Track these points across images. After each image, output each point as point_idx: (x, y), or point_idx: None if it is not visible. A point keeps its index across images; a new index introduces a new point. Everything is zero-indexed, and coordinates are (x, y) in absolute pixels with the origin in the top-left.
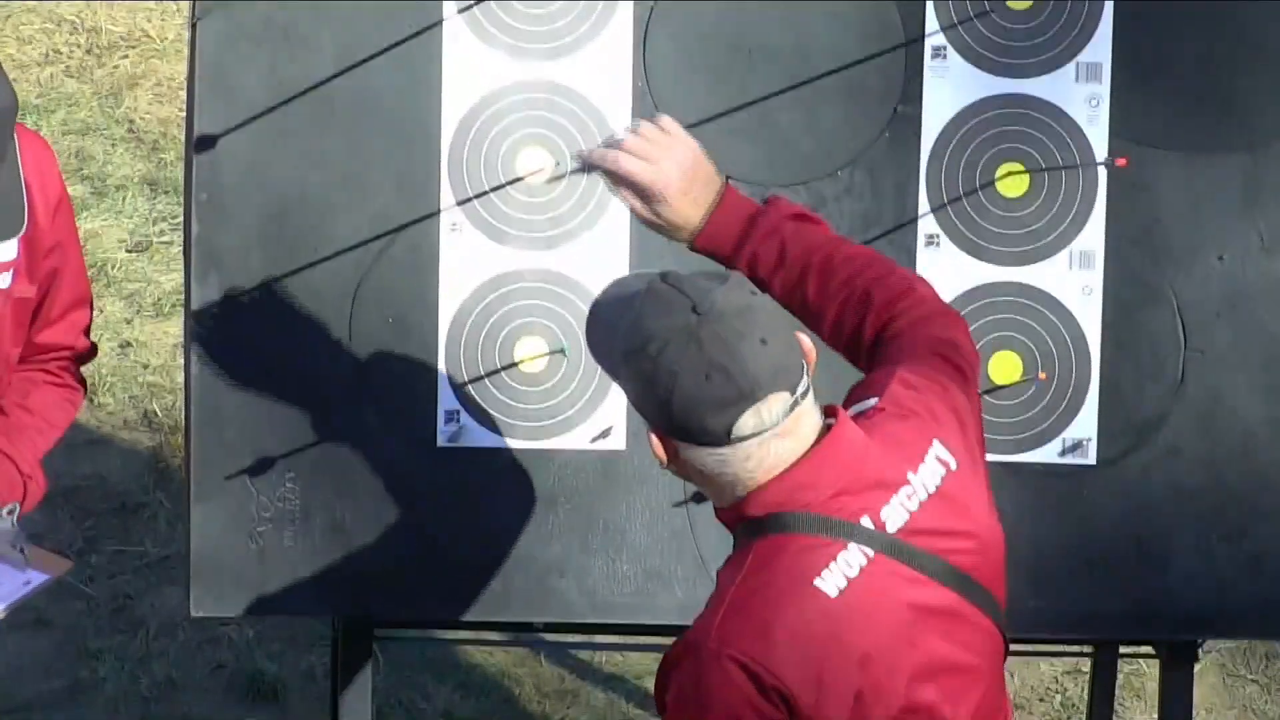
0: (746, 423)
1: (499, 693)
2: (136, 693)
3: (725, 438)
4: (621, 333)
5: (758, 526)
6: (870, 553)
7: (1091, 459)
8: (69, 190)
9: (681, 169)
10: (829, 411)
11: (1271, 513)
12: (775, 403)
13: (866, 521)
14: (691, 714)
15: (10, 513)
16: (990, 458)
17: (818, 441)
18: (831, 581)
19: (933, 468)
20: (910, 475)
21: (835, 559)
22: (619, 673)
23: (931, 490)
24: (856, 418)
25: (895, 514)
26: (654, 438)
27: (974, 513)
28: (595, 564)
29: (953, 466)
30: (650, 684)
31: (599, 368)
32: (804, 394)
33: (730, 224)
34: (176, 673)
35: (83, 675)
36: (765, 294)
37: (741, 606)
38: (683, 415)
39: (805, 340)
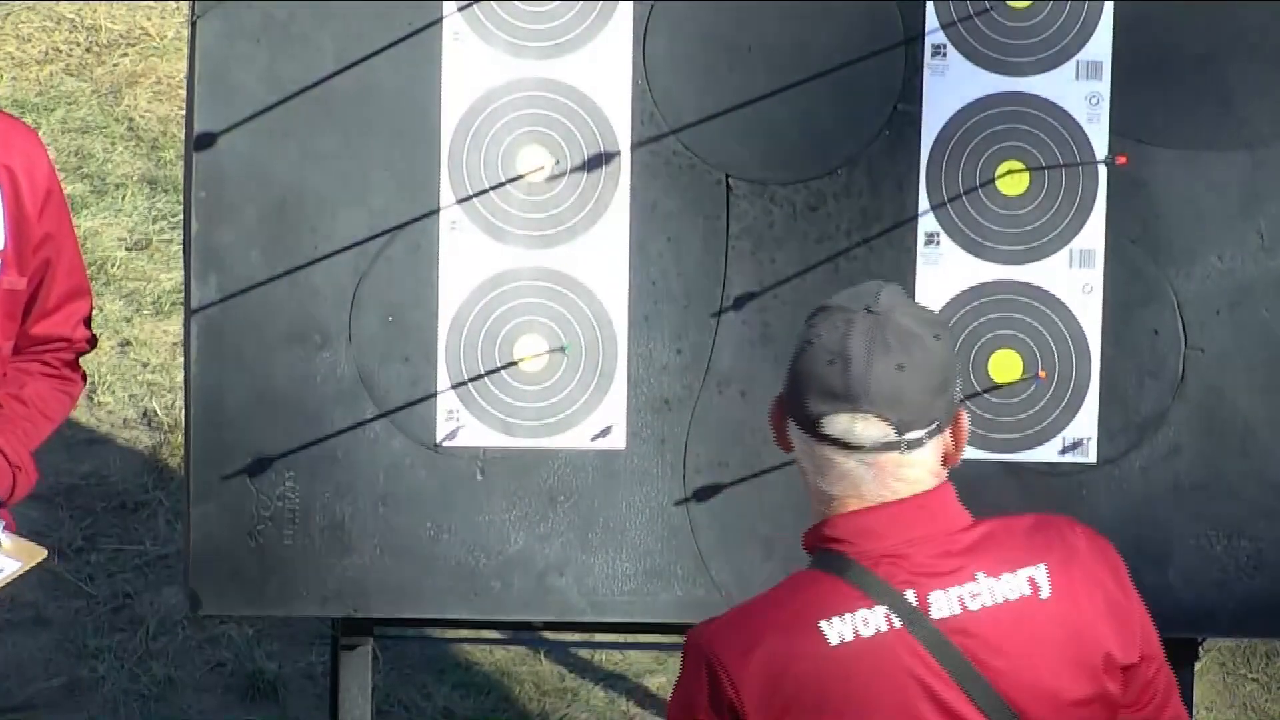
0: (838, 424)
1: (499, 691)
2: (136, 691)
3: (813, 426)
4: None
5: (816, 558)
6: (896, 624)
7: (1092, 458)
8: (68, 187)
9: None
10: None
11: (1272, 511)
12: (871, 425)
13: (910, 595)
14: (674, 700)
15: None
16: (990, 457)
17: (905, 498)
18: (837, 630)
19: (1016, 583)
20: (982, 576)
21: (854, 611)
22: (619, 671)
23: (999, 601)
24: (990, 518)
25: (946, 603)
26: (775, 403)
27: (1047, 658)
28: (595, 563)
29: (1043, 594)
30: (650, 682)
31: (599, 365)
32: (912, 444)
33: None
34: (176, 671)
35: (82, 674)
36: (948, 347)
37: (742, 617)
38: (794, 380)
39: (964, 419)
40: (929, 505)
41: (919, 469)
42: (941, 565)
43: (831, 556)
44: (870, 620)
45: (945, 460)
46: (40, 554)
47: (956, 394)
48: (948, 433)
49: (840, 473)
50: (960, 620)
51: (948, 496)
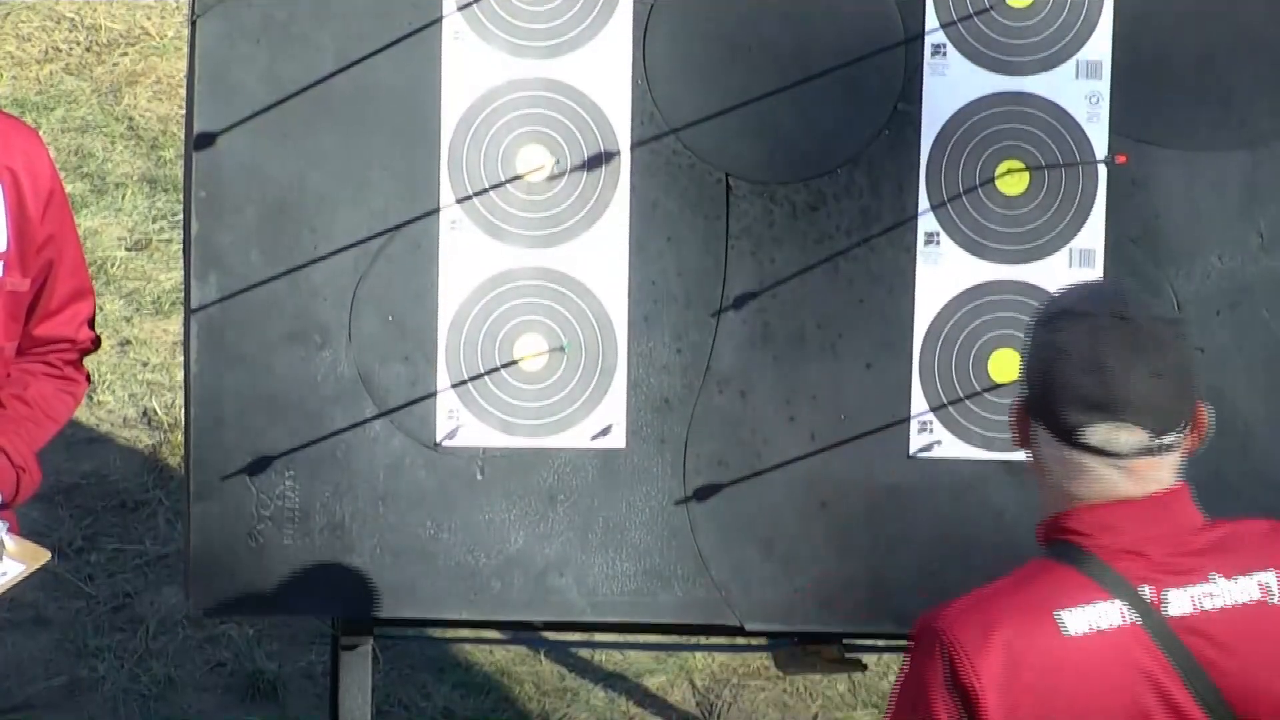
0: (1097, 434)
1: (499, 691)
2: (136, 691)
3: (1069, 437)
4: (1058, 301)
5: (1052, 549)
6: (1130, 619)
7: None
8: (68, 187)
9: None
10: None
11: (1272, 511)
12: (1130, 434)
13: (1146, 592)
14: (905, 683)
15: None
16: (990, 456)
17: (1146, 496)
18: (1073, 621)
19: (1249, 586)
20: (1218, 578)
21: (1091, 604)
22: (619, 671)
23: (1232, 603)
24: (1222, 519)
25: (1181, 601)
26: (1018, 407)
27: (1276, 664)
28: (595, 563)
29: (1273, 599)
30: (650, 682)
31: (599, 364)
32: (1165, 448)
33: None
34: (176, 671)
35: (82, 673)
36: (1190, 342)
37: (982, 602)
38: (1045, 391)
39: (1206, 414)
40: (1169, 504)
41: (1165, 469)
42: (1178, 564)
43: (1069, 548)
44: (1106, 614)
45: (1186, 453)
46: (44, 556)
47: (1197, 388)
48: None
49: (1094, 477)
50: (1194, 620)
51: (1185, 496)
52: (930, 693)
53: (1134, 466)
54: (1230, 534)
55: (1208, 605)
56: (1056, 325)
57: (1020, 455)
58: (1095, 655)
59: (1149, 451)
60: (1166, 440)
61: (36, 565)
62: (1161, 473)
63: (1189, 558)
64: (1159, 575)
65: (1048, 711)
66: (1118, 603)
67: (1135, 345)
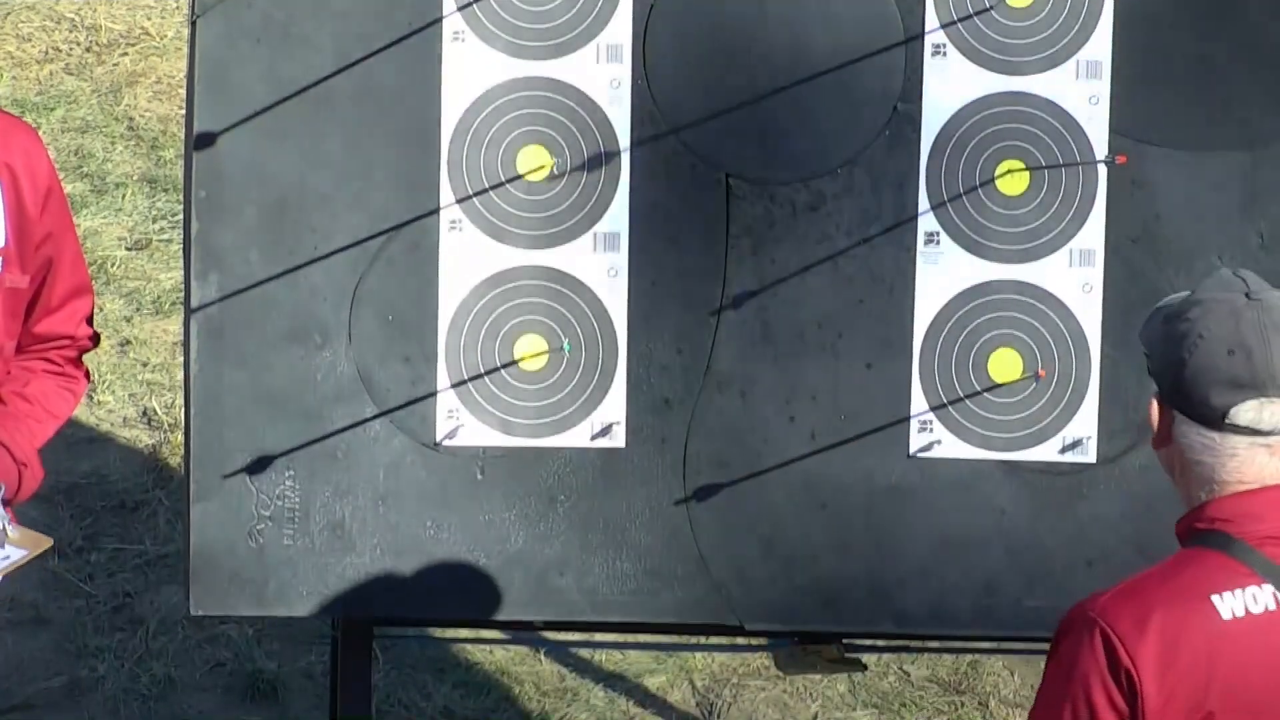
0: (1246, 413)
1: (499, 691)
2: (136, 691)
3: (1220, 420)
4: (1173, 301)
5: (1197, 538)
6: None
7: (1091, 457)
8: (68, 187)
9: None
10: None
11: None
12: (1276, 408)
13: None
14: (1058, 673)
15: None
16: (990, 456)
17: None
18: (1229, 605)
19: None
20: None
21: (1244, 588)
22: (619, 671)
23: None
24: None
25: None
26: (1155, 405)
27: None
28: (595, 562)
29: None
30: (650, 682)
31: (599, 364)
32: None
33: None
34: (176, 671)
35: (82, 673)
36: None
37: (1135, 590)
38: (1191, 381)
39: None
40: None
41: None
42: None
43: (1216, 535)
44: (1259, 598)
45: None
46: (46, 542)
47: None
48: None
49: (1242, 459)
50: None
51: None
52: (1089, 680)
53: (1277, 443)
54: None
55: None
56: (1188, 315)
57: (1020, 455)
58: (1251, 638)
59: None
60: None
61: (39, 551)
62: None
63: None
64: None
65: (1205, 695)
66: (1269, 587)
67: (1271, 323)
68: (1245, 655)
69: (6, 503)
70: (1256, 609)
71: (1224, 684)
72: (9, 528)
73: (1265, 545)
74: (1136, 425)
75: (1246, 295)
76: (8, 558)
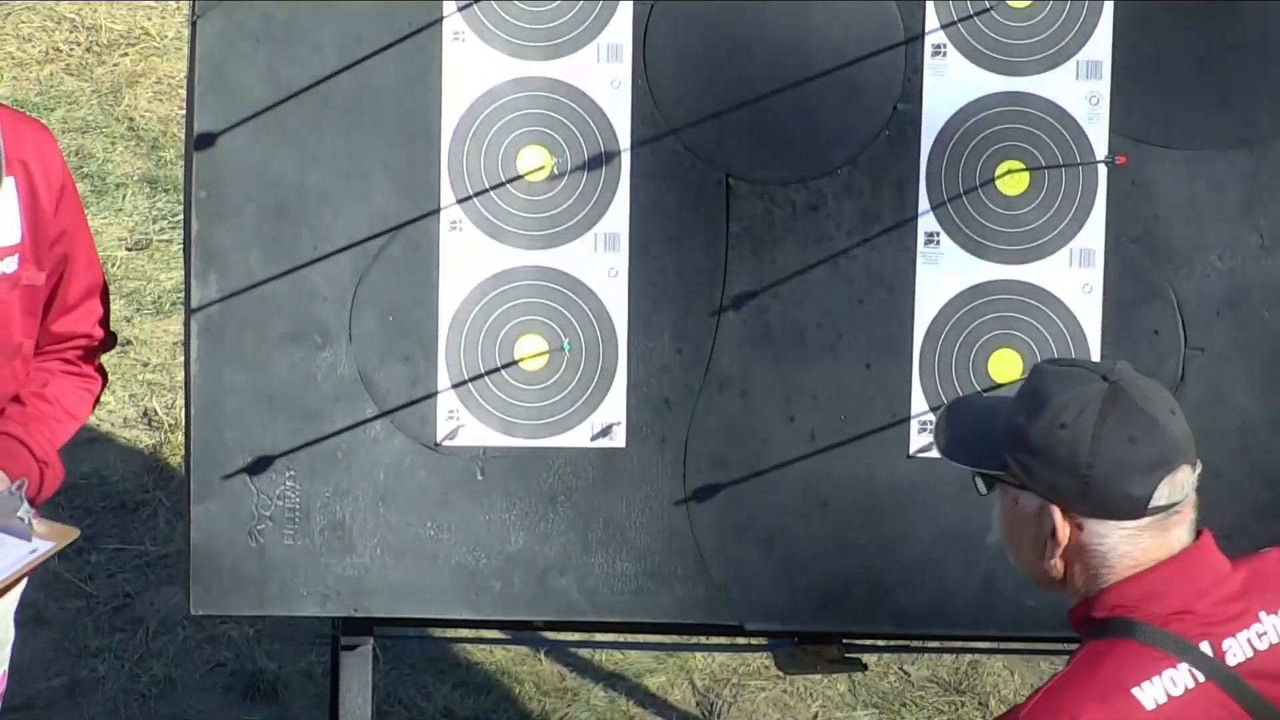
0: (1163, 492)
1: (499, 691)
2: (136, 691)
3: (1143, 507)
4: (1021, 414)
5: (1098, 628)
6: (1201, 678)
7: None
8: None
9: None
10: (1198, 533)
11: (1271, 511)
12: (1183, 475)
13: (1206, 648)
14: None
15: (20, 487)
16: None
17: (1179, 554)
18: (1150, 694)
19: None
20: (1265, 615)
21: (1161, 674)
22: (619, 671)
23: None
24: (1241, 557)
25: (1238, 648)
26: (1057, 516)
27: None
28: (595, 563)
29: None
30: (650, 682)
31: (599, 364)
32: (1196, 479)
33: None
34: (176, 671)
35: (82, 673)
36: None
37: (1055, 696)
38: (1104, 482)
39: None
40: (1202, 556)
41: (1191, 505)
42: (1226, 611)
43: (1117, 623)
44: (1177, 679)
45: None
46: (73, 534)
47: None
48: None
49: (1148, 541)
50: (1255, 663)
51: (1211, 543)
52: None
53: (1186, 509)
54: (1255, 571)
55: (1262, 645)
56: (1062, 421)
57: None
58: None
59: (1195, 485)
60: (1198, 470)
61: (66, 542)
62: (1188, 516)
63: (1233, 603)
64: (1212, 628)
65: None
66: (1184, 665)
67: (1143, 396)
68: None
69: (30, 501)
70: (1177, 691)
71: None
72: (34, 522)
73: (1170, 623)
74: None
75: (1105, 379)
76: (34, 550)
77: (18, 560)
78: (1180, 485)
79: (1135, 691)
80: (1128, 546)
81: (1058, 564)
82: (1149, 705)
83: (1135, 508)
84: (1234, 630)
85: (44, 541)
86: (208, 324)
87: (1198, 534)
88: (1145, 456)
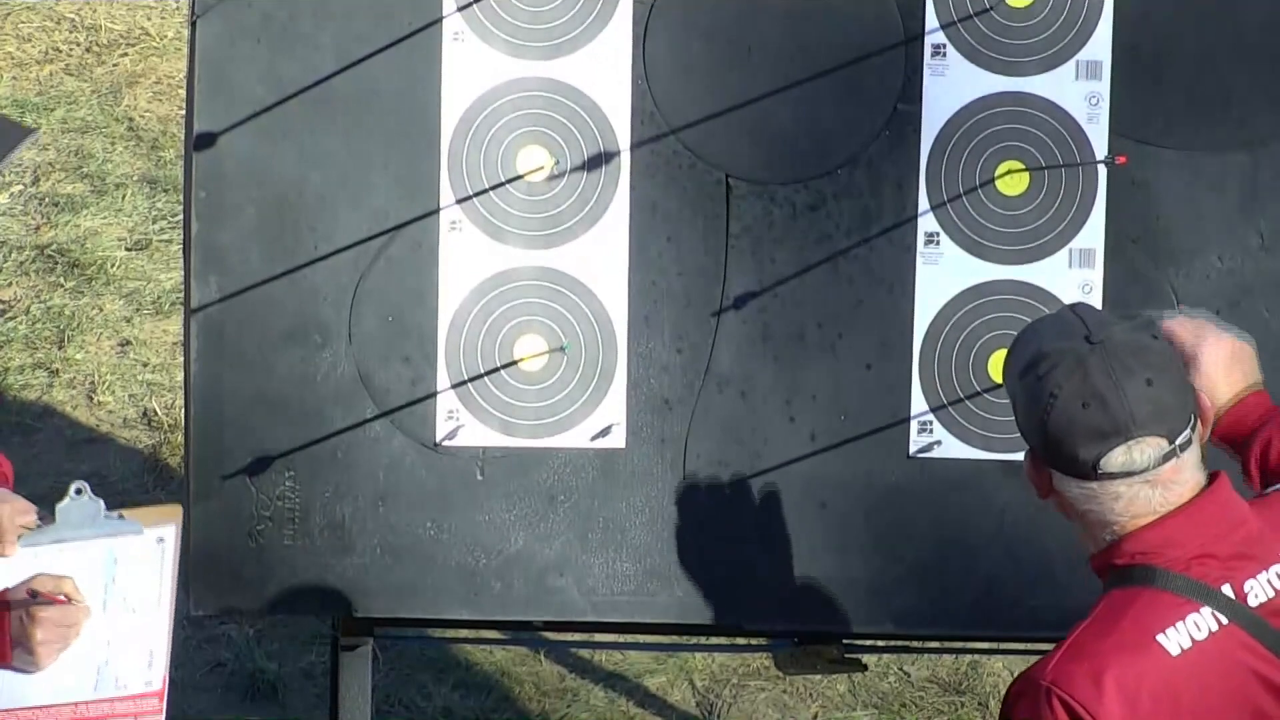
0: (1115, 459)
1: (499, 691)
2: None
3: (1092, 471)
4: (1023, 352)
5: (1120, 575)
6: (1224, 620)
7: None
8: (68, 187)
9: (1229, 350)
10: (1213, 476)
11: None
12: (1149, 446)
13: (1228, 590)
14: None
15: (79, 491)
16: (990, 456)
17: (1195, 499)
18: (1175, 640)
19: None
20: None
21: (1184, 619)
22: (619, 671)
23: None
24: (1256, 498)
25: (1260, 589)
26: (1030, 461)
27: None
28: (595, 563)
29: None
30: (650, 682)
31: (599, 364)
32: (1184, 446)
33: (1252, 411)
34: (176, 671)
35: None
36: (1166, 341)
37: (1080, 650)
38: (1055, 439)
39: (1204, 400)
40: (1218, 499)
41: (1190, 466)
42: (1246, 553)
43: (1140, 571)
44: (1200, 624)
45: (1201, 442)
46: (177, 512)
47: (1188, 377)
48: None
49: (1128, 499)
50: (1277, 603)
51: (1227, 486)
52: None
53: (1160, 477)
54: (1275, 511)
55: None
56: (1038, 371)
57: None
58: (1204, 665)
59: (1170, 456)
60: (1181, 440)
61: (178, 520)
62: (1187, 471)
63: (1252, 544)
64: (1233, 570)
65: None
66: (1207, 609)
67: (1120, 364)
68: (1204, 684)
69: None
70: (1201, 635)
71: (1191, 718)
72: (127, 517)
73: (1191, 568)
74: None
75: (1088, 339)
76: (161, 539)
77: (155, 555)
78: (1142, 456)
79: (1160, 638)
80: (1109, 505)
81: (1058, 507)
82: (1175, 651)
83: (1084, 470)
84: (1255, 571)
85: (160, 528)
86: (207, 324)
87: (1213, 477)
88: (1095, 423)
